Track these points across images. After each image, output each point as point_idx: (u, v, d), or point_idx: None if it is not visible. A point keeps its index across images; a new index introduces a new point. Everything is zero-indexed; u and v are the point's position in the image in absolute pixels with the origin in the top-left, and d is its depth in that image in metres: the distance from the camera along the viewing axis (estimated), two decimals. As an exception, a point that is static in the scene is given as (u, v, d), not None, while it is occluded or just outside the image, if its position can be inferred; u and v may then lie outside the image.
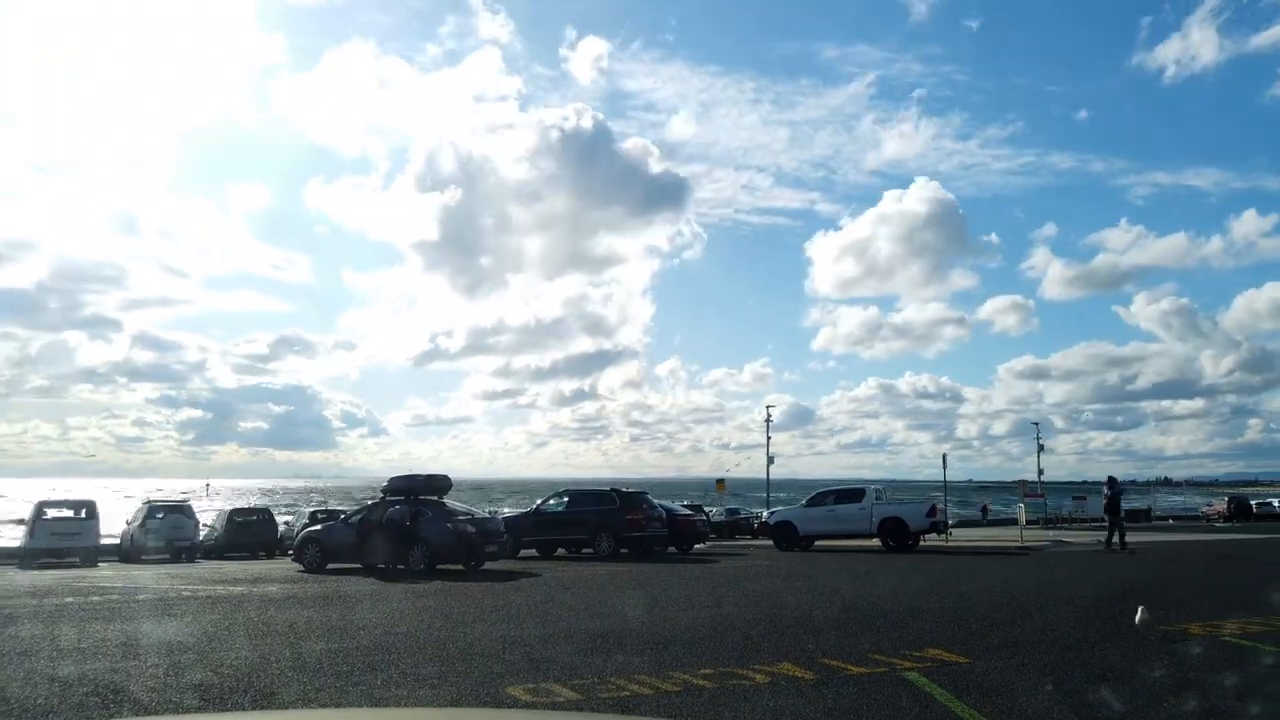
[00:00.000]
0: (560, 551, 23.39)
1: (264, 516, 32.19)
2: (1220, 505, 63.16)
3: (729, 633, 9.01)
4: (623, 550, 21.90)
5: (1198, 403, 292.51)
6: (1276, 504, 65.92)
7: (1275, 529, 43.71)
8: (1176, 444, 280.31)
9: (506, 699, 6.00)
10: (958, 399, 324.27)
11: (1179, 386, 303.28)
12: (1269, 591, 12.10)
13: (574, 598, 12.77)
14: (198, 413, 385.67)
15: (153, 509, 28.53)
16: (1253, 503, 67.60)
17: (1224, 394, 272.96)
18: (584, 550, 22.83)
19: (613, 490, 23.44)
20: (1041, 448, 53.84)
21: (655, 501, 24.89)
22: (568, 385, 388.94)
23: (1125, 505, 26.77)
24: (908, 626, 9.41)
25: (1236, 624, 9.12)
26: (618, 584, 14.81)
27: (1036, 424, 45.66)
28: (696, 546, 26.77)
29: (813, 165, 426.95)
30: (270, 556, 28.28)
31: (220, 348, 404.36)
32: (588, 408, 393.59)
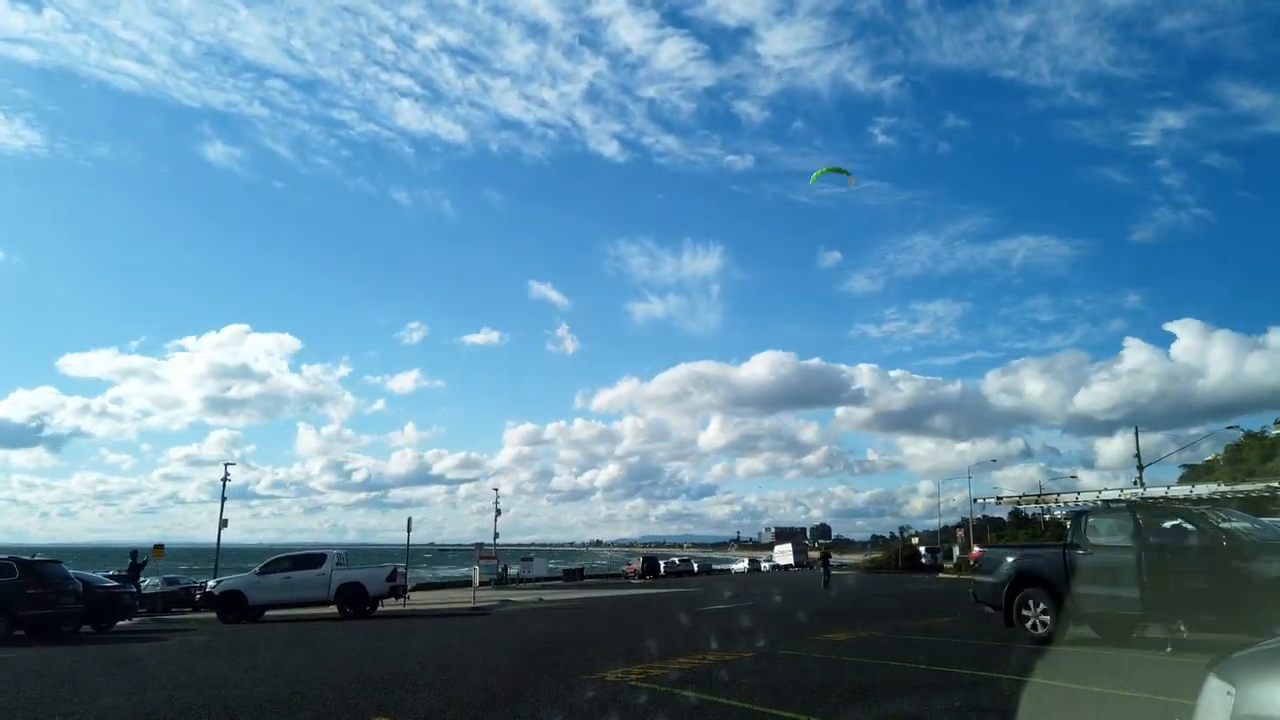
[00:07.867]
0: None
1: None
2: (636, 564, 73.95)
3: (148, 723, 7.93)
4: (18, 632, 18.19)
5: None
6: (678, 560, 79.51)
7: (677, 584, 52.71)
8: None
9: None
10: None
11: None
12: (660, 639, 14.72)
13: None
14: None
15: None
16: (674, 559, 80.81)
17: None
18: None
19: (11, 559, 19.35)
20: (499, 512, 58.25)
21: (71, 573, 21.13)
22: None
23: (566, 565, 30.24)
24: (353, 696, 9.30)
25: (640, 669, 10.75)
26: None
27: (496, 489, 49.15)
28: (121, 623, 23.28)
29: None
30: None
31: None
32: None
